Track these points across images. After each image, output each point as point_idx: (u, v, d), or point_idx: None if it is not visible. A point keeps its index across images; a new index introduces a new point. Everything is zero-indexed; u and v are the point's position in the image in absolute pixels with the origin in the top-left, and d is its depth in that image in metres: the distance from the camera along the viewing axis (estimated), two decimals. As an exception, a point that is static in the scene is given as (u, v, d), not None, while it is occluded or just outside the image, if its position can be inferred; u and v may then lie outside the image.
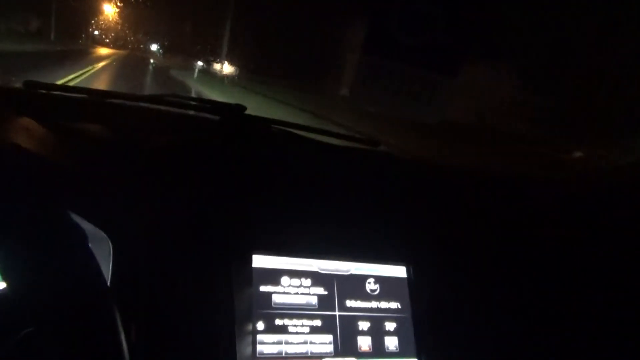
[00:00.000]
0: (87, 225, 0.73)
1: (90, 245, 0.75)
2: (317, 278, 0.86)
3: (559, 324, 0.95)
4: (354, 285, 0.88)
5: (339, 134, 1.42)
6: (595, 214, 1.03)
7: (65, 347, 0.42)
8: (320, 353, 0.81)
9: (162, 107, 1.32)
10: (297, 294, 0.83)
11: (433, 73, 0.86)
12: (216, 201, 0.85)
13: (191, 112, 1.35)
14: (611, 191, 1.01)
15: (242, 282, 0.79)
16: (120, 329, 0.46)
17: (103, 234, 0.73)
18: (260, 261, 0.82)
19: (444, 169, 1.14)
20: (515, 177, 1.15)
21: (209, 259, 0.78)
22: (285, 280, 0.83)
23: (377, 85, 0.86)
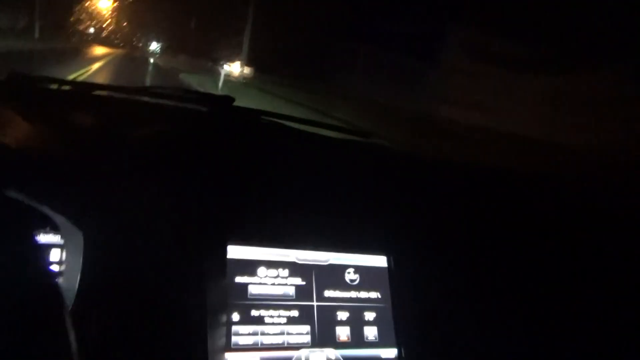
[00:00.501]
0: (58, 218, 0.74)
1: (61, 238, 0.76)
2: (295, 268, 0.85)
3: (539, 312, 0.94)
4: (332, 275, 0.88)
5: (329, 124, 1.41)
6: (579, 207, 1.01)
7: (8, 342, 0.41)
8: (297, 343, 0.81)
9: (149, 99, 1.32)
10: (274, 284, 0.83)
11: (413, 59, 0.84)
12: (191, 192, 0.84)
13: (179, 104, 1.35)
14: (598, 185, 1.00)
15: (216, 273, 0.78)
16: (69, 325, 0.45)
17: (73, 226, 0.73)
18: (235, 252, 0.82)
19: (427, 160, 1.12)
20: (500, 169, 1.13)
21: (183, 250, 0.78)
22: (261, 270, 0.83)
23: (357, 72, 0.85)
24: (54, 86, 1.16)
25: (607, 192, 1.06)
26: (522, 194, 1.07)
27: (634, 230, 1.10)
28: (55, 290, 0.46)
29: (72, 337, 0.45)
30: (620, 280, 1.01)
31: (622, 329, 0.97)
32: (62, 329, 0.45)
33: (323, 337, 0.83)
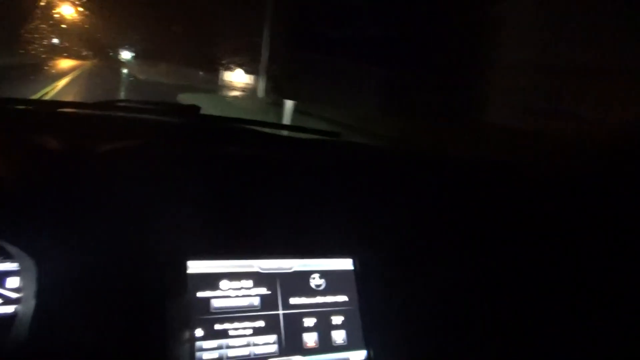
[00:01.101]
0: (11, 247, 0.73)
1: (18, 265, 0.76)
2: (259, 278, 0.85)
3: (506, 310, 0.94)
4: (298, 282, 0.87)
5: (299, 127, 1.40)
6: (546, 199, 1.01)
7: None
8: (264, 354, 0.81)
9: (112, 114, 1.30)
10: (237, 296, 0.83)
11: (361, 64, 0.83)
12: (149, 208, 0.84)
13: (145, 116, 1.34)
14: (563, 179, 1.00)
15: (177, 290, 0.78)
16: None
17: (26, 255, 0.72)
18: (196, 267, 0.81)
19: (389, 158, 1.12)
20: (467, 163, 1.13)
21: (141, 269, 0.77)
22: (224, 283, 0.83)
23: (305, 79, 0.84)
24: (14, 106, 1.15)
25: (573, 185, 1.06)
26: (489, 188, 1.06)
27: (617, 226, 1.09)
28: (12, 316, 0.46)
29: None
30: (590, 276, 1.00)
31: (595, 323, 0.97)
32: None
33: (290, 346, 0.83)
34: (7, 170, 0.83)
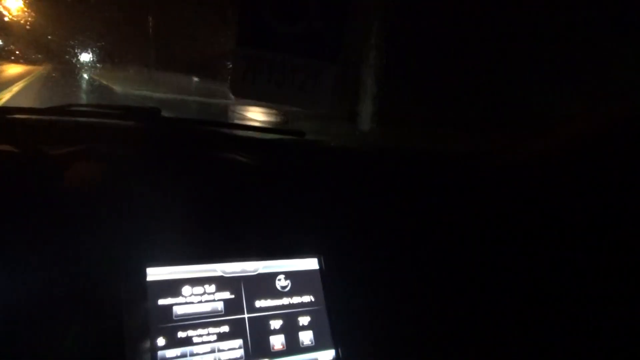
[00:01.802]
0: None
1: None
2: (222, 282, 0.83)
3: (473, 307, 0.95)
4: (262, 285, 0.86)
5: (263, 127, 1.38)
6: (515, 194, 1.02)
7: None
8: (230, 359, 0.79)
9: (70, 119, 1.26)
10: (200, 302, 0.81)
11: (314, 61, 0.83)
12: (106, 213, 0.81)
13: (102, 120, 1.30)
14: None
15: (135, 298, 0.76)
16: None
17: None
18: (155, 273, 0.79)
19: (352, 155, 1.11)
20: (429, 159, 1.13)
21: (99, 277, 0.74)
22: (186, 289, 0.80)
23: (259, 78, 0.83)
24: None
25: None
26: (453, 181, 1.07)
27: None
28: None
29: None
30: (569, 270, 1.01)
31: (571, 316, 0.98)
32: None
33: (257, 349, 0.81)
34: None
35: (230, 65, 0.83)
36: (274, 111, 1.24)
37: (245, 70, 0.82)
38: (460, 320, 0.92)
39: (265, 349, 0.82)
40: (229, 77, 0.83)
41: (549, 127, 1.12)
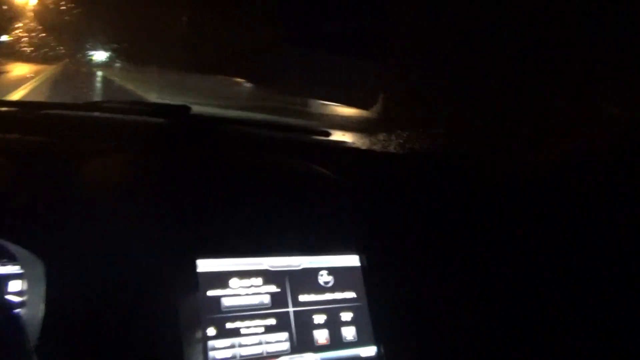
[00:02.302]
0: (15, 249, 0.70)
1: (21, 268, 0.73)
2: (268, 276, 0.84)
3: (513, 305, 0.96)
4: (306, 280, 0.87)
5: (289, 126, 1.40)
6: (550, 200, 1.03)
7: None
8: (276, 352, 0.80)
9: (102, 115, 1.27)
10: (247, 294, 0.82)
11: (360, 60, 0.84)
12: (156, 208, 0.82)
13: (135, 118, 1.31)
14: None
15: (187, 289, 0.77)
16: (33, 355, 0.43)
17: (33, 256, 0.69)
18: (206, 265, 0.80)
19: (394, 156, 1.13)
20: (470, 162, 1.15)
21: (151, 269, 0.75)
22: (234, 282, 0.81)
23: (307, 77, 0.84)
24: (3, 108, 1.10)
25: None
26: (496, 184, 1.08)
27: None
28: (16, 320, 0.44)
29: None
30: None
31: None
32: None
33: (302, 343, 0.82)
34: (9, 171, 0.80)
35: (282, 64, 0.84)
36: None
37: (292, 69, 0.84)
38: (501, 318, 0.93)
39: (310, 342, 0.83)
40: (276, 75, 0.85)
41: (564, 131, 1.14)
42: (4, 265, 0.72)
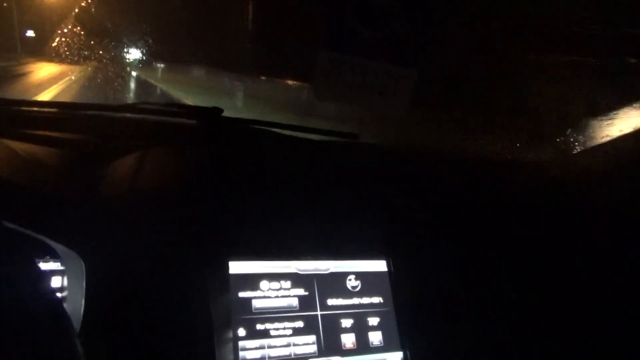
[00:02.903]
0: (57, 246, 0.73)
1: (63, 265, 0.76)
2: (297, 279, 0.86)
3: (540, 312, 0.95)
4: (334, 284, 0.88)
5: (317, 129, 1.41)
6: (579, 202, 1.02)
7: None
8: (304, 354, 0.81)
9: (137, 116, 1.31)
10: (277, 297, 0.83)
11: (396, 65, 0.85)
12: (188, 210, 0.84)
13: (168, 119, 1.34)
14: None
15: (219, 290, 0.79)
16: (79, 348, 0.46)
17: (74, 253, 0.72)
18: (237, 267, 0.82)
19: (421, 159, 1.13)
20: (497, 164, 1.14)
21: (184, 270, 0.78)
22: (264, 284, 0.83)
23: (341, 80, 0.86)
24: (38, 109, 1.15)
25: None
26: (525, 188, 1.07)
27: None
28: (63, 314, 0.46)
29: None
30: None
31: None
32: (73, 352, 0.45)
33: (329, 346, 0.83)
34: (50, 170, 0.83)
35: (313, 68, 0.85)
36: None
37: (328, 72, 0.85)
38: (530, 324, 0.93)
39: (337, 346, 0.84)
40: (312, 79, 0.86)
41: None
42: (46, 262, 0.76)
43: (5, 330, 0.40)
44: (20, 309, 0.42)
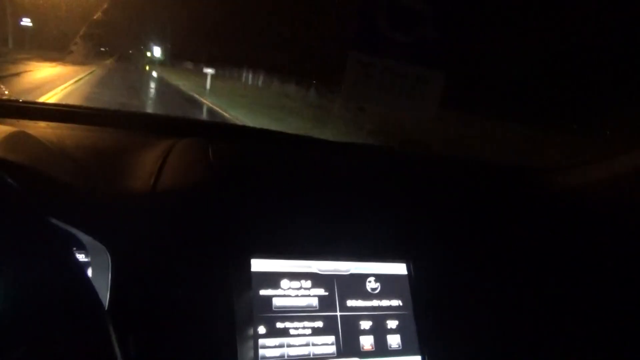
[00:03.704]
0: (84, 237, 0.74)
1: (88, 257, 0.77)
2: (317, 279, 0.86)
3: (560, 317, 0.95)
4: (354, 285, 0.88)
5: (352, 143, 1.41)
6: (596, 207, 1.02)
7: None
8: (323, 354, 0.81)
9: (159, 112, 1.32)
10: (297, 296, 0.84)
11: (424, 69, 0.86)
12: (212, 206, 0.85)
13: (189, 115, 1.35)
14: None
15: (242, 287, 0.79)
16: (114, 339, 0.46)
17: (101, 246, 0.73)
18: (259, 265, 0.82)
19: (442, 162, 1.13)
20: (517, 169, 1.14)
21: (208, 265, 0.78)
22: (285, 282, 0.83)
23: (370, 83, 0.86)
24: (60, 108, 1.16)
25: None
26: (546, 193, 1.07)
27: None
28: (99, 302, 0.47)
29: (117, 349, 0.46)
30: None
31: None
32: (111, 341, 0.46)
33: (348, 347, 0.83)
34: (76, 162, 0.84)
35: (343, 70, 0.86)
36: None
37: (357, 74, 0.86)
38: (553, 331, 0.92)
39: (356, 348, 0.84)
40: (342, 81, 0.87)
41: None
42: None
43: (50, 317, 0.41)
44: (66, 297, 0.43)
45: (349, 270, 0.89)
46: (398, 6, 0.84)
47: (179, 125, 1.28)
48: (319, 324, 0.83)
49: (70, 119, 1.05)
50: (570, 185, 1.12)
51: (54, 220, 0.68)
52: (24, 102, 1.11)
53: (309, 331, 0.82)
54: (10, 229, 0.44)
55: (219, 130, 1.29)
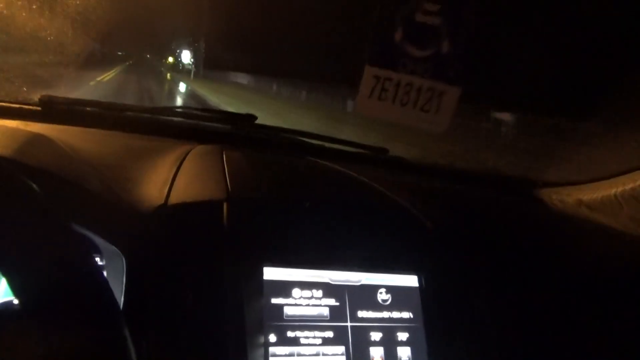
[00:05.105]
0: (99, 241, 0.75)
1: (103, 260, 0.78)
2: (328, 289, 0.86)
3: (572, 333, 0.94)
4: (365, 296, 0.88)
5: (348, 141, 1.43)
6: (602, 222, 1.01)
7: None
8: (333, 365, 0.81)
9: (174, 119, 1.34)
10: (308, 305, 0.84)
11: (440, 83, 0.86)
12: (226, 214, 0.86)
13: (203, 123, 1.37)
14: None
15: (253, 295, 0.79)
16: (129, 339, 0.47)
17: (116, 249, 0.74)
18: (271, 273, 0.83)
19: (453, 173, 1.13)
20: (529, 183, 1.14)
21: (220, 273, 0.79)
22: (296, 292, 0.84)
23: (384, 97, 0.87)
24: (84, 108, 1.18)
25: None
26: (559, 209, 1.06)
27: None
28: (116, 303, 0.48)
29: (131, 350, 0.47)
30: None
31: None
32: (125, 339, 0.46)
33: (358, 358, 0.83)
34: (92, 166, 0.86)
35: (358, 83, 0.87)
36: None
37: (372, 88, 0.87)
38: (561, 346, 0.92)
39: (366, 359, 0.84)
40: (356, 94, 0.88)
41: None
42: (89, 256, 0.78)
43: (69, 317, 0.42)
44: (85, 298, 0.44)
45: (360, 281, 0.89)
46: (414, 20, 0.85)
47: (194, 132, 1.29)
48: (330, 334, 0.83)
49: (90, 123, 1.07)
50: (580, 201, 1.12)
51: (73, 225, 0.69)
52: (43, 104, 1.13)
53: (319, 341, 0.82)
54: (33, 232, 0.45)
55: (233, 138, 1.30)
